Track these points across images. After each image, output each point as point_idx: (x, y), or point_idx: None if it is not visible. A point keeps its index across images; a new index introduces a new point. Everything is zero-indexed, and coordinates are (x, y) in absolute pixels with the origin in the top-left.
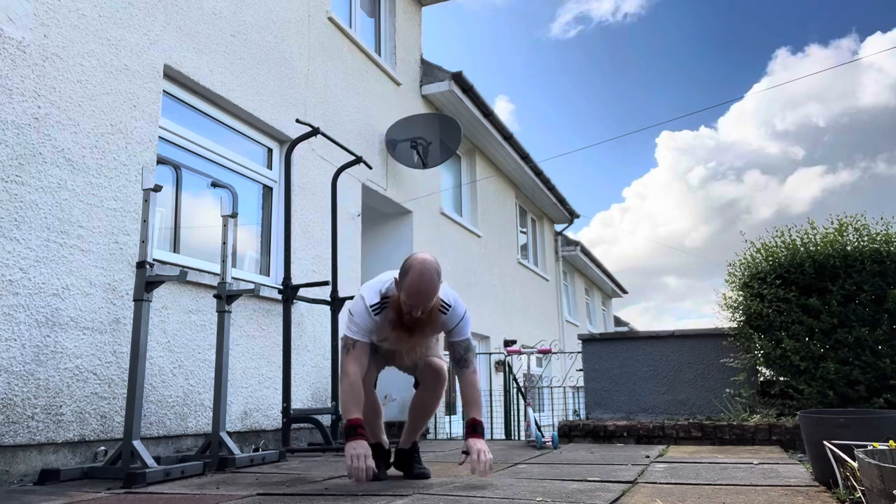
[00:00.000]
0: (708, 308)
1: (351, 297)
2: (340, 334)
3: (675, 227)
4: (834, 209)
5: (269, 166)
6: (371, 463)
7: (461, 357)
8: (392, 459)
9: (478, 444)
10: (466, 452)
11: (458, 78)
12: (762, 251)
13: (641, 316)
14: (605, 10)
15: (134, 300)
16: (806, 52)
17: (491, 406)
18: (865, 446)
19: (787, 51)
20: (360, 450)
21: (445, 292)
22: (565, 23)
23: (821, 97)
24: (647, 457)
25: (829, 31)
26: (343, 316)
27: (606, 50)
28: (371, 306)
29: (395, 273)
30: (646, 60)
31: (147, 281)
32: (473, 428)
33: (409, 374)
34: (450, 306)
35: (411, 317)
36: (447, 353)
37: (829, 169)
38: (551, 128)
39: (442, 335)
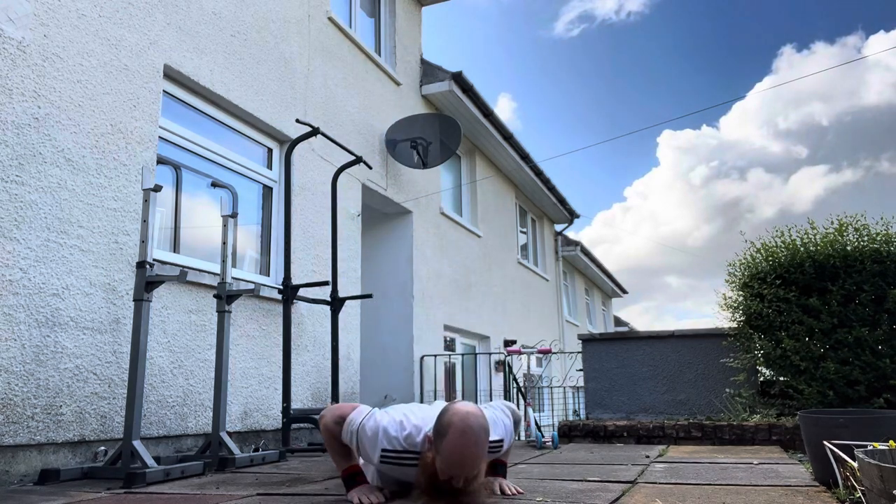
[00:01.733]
0: (708, 308)
1: (351, 297)
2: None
3: (677, 227)
4: (837, 208)
5: (269, 166)
6: (379, 496)
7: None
8: None
9: (498, 479)
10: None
11: (457, 78)
12: (762, 251)
13: (642, 316)
14: (608, 8)
15: (134, 300)
16: (812, 50)
17: None
18: (865, 446)
19: (793, 48)
20: (363, 489)
21: (491, 419)
22: (568, 21)
23: (824, 96)
24: (647, 457)
25: (836, 29)
26: (344, 320)
27: (610, 49)
28: (384, 452)
29: (425, 413)
30: (649, 59)
31: (147, 281)
32: (494, 468)
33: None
34: (501, 441)
35: (451, 486)
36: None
37: (833, 168)
38: (554, 126)
39: None
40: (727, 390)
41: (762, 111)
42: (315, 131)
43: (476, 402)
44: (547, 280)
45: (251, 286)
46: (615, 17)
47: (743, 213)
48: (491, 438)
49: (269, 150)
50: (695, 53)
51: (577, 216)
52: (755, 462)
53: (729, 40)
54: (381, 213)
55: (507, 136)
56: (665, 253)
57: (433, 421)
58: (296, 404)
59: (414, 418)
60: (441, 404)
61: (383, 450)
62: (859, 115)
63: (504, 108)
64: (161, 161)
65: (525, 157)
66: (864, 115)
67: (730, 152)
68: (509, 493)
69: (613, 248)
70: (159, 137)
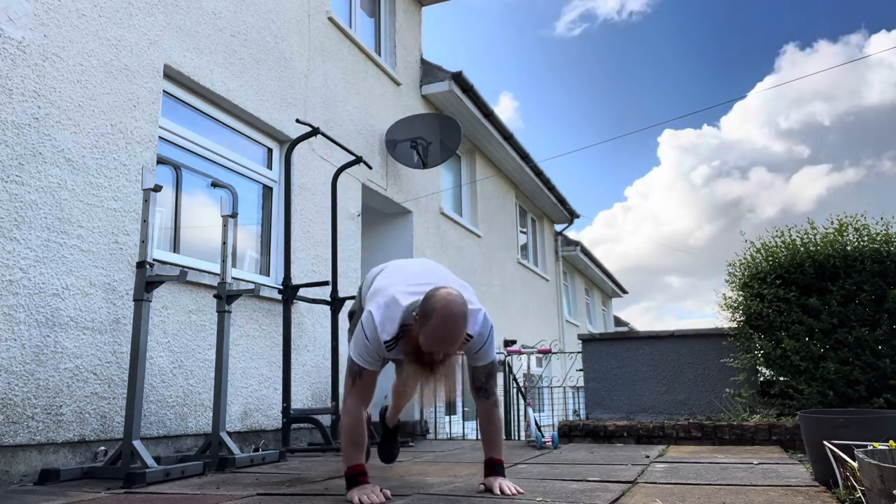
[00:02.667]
0: (709, 308)
1: (351, 298)
2: (348, 353)
3: (679, 226)
4: (839, 208)
5: (269, 166)
6: (380, 496)
7: (482, 385)
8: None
9: (498, 479)
10: (488, 489)
11: (458, 78)
12: (762, 251)
13: (642, 316)
14: (610, 7)
15: (134, 300)
16: (814, 48)
17: None
18: (865, 446)
19: (796, 46)
20: (364, 489)
21: (472, 312)
22: (570, 21)
23: (826, 95)
24: (647, 457)
25: (839, 27)
26: (345, 320)
27: (611, 48)
28: (387, 343)
29: (412, 286)
30: (650, 58)
31: (147, 281)
32: (493, 469)
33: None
34: (472, 337)
35: (432, 357)
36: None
37: (835, 167)
38: (556, 125)
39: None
40: (727, 390)
41: (764, 111)
42: (315, 131)
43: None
44: (547, 280)
45: (251, 286)
46: (617, 17)
47: (744, 213)
48: (467, 330)
49: (269, 150)
50: (697, 52)
51: (577, 216)
52: (755, 462)
53: (732, 39)
54: (381, 213)
55: (507, 136)
56: (666, 253)
57: (412, 286)
58: (296, 404)
59: (398, 297)
60: (421, 260)
61: (387, 341)
62: (861, 115)
63: (506, 107)
64: (161, 161)
65: (525, 157)
66: (866, 114)
67: (731, 152)
68: (509, 493)
69: (614, 247)
70: (159, 137)
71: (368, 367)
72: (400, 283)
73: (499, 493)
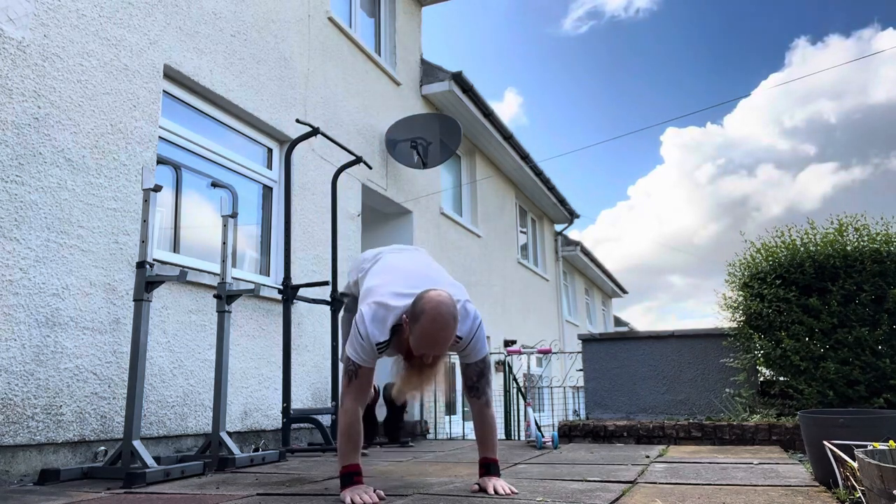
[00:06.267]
0: (709, 308)
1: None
2: (341, 352)
3: (683, 225)
4: (846, 206)
5: (269, 166)
6: (374, 497)
7: (473, 385)
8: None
9: (492, 479)
10: (482, 489)
11: (458, 78)
12: (762, 251)
13: (644, 316)
14: (617, 4)
15: (134, 300)
16: (826, 43)
17: None
18: (865, 446)
19: (807, 41)
20: (358, 489)
21: (462, 312)
22: (577, 18)
23: (833, 93)
24: (647, 457)
25: (853, 20)
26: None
27: (617, 45)
28: (378, 345)
29: (404, 288)
30: (657, 56)
31: (147, 281)
32: (487, 468)
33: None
34: (460, 339)
35: (421, 360)
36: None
37: (842, 165)
38: (561, 121)
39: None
40: (727, 390)
41: (768, 109)
42: (315, 131)
43: None
44: (547, 280)
45: (251, 286)
46: (624, 14)
47: (750, 212)
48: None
49: (269, 150)
50: (704, 50)
51: (577, 216)
52: (755, 462)
53: (740, 34)
54: (381, 213)
55: (507, 136)
56: (669, 252)
57: (403, 288)
58: (296, 404)
59: (389, 301)
60: (415, 256)
61: (378, 344)
62: (869, 113)
63: (510, 103)
64: (161, 161)
65: (525, 157)
66: (873, 112)
67: (736, 150)
68: (503, 492)
69: (617, 247)
70: (159, 137)
71: (365, 364)
72: (392, 283)
73: (492, 492)
